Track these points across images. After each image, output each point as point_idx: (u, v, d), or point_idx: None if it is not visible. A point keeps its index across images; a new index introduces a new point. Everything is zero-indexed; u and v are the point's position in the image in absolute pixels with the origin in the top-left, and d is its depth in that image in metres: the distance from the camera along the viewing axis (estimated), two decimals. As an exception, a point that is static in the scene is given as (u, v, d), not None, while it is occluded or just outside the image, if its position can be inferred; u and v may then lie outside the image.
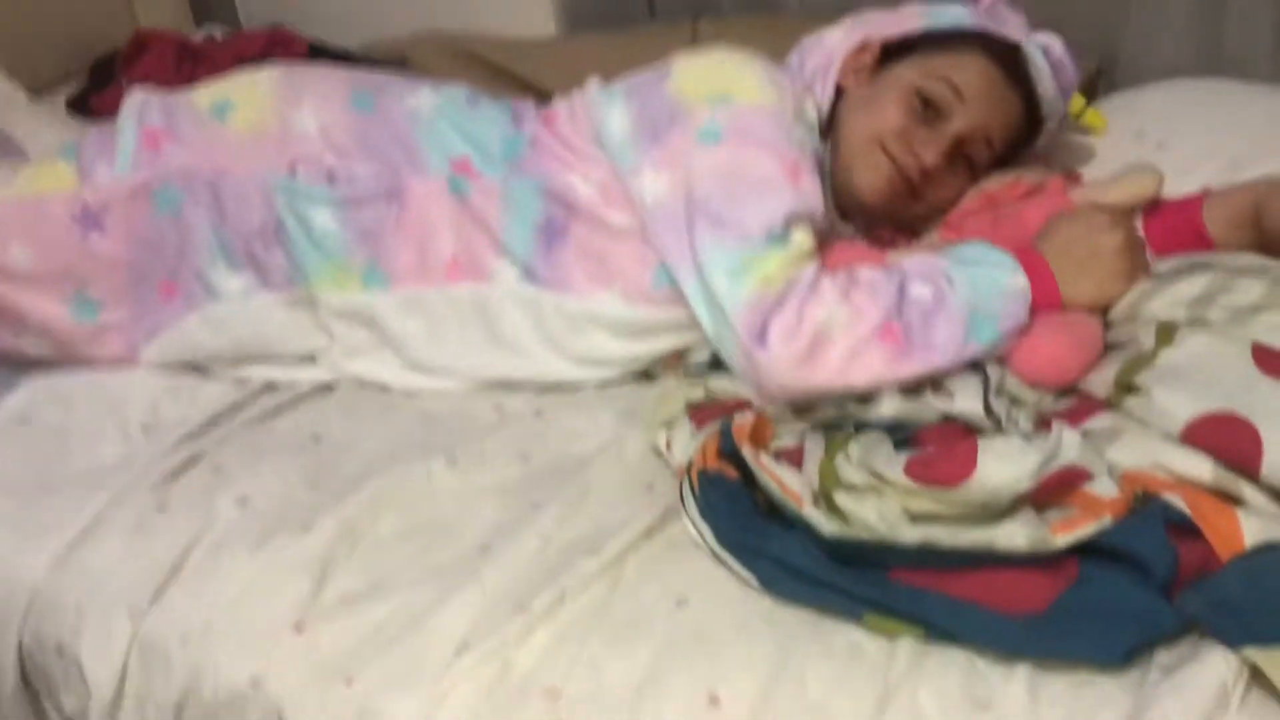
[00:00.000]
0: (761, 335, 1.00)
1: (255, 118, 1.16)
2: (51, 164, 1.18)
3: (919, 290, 1.01)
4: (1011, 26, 1.17)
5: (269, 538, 0.97)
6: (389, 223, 1.12)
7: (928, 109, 1.12)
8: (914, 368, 1.00)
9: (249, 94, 1.18)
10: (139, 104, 1.19)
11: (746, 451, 0.92)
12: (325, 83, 1.19)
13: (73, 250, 1.13)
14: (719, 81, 1.10)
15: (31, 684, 0.99)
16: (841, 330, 0.99)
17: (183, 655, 0.92)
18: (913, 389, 1.01)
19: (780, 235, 1.03)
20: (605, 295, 1.11)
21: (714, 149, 1.06)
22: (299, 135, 1.14)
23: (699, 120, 1.07)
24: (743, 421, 0.95)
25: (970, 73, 1.13)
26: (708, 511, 0.93)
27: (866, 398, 1.00)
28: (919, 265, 1.04)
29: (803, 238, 1.05)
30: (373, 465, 1.05)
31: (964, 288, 1.01)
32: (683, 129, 1.08)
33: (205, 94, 1.20)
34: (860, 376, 0.99)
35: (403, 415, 1.14)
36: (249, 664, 0.90)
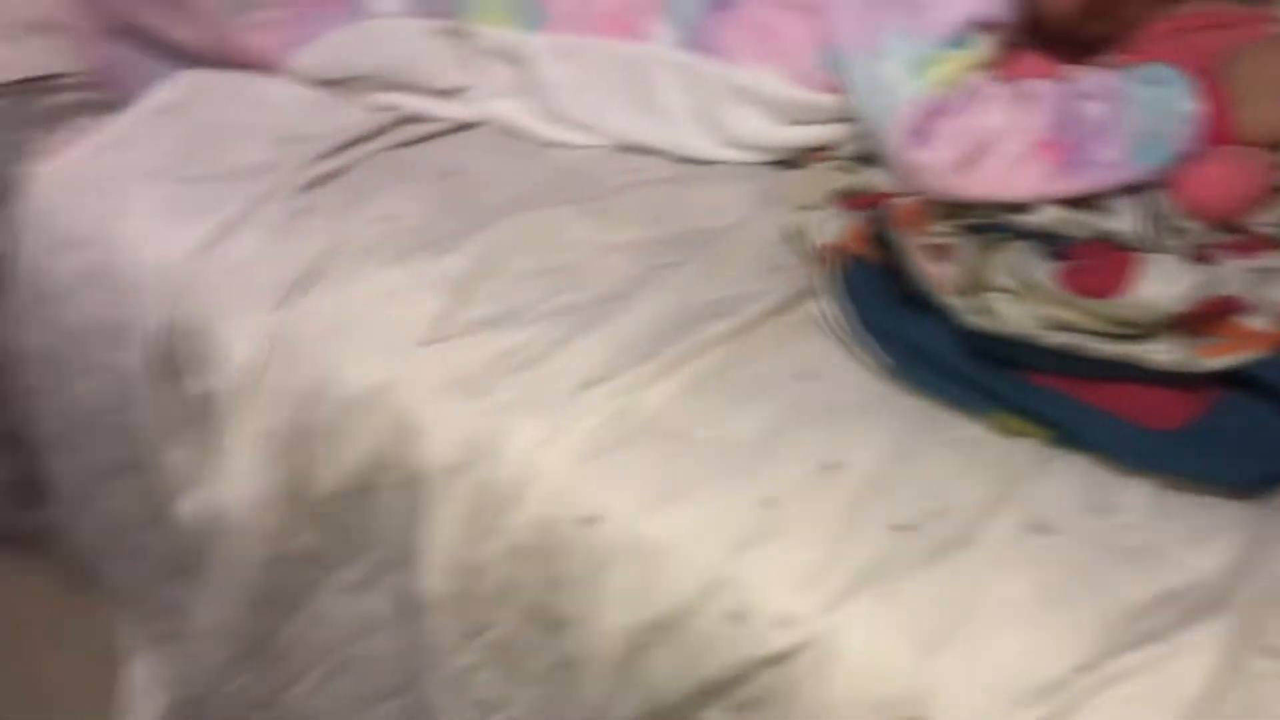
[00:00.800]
0: (924, 135, 0.98)
1: None
2: None
3: (1088, 106, 0.98)
4: None
5: (408, 254, 0.97)
6: None
7: None
8: (1075, 184, 0.97)
9: None
10: None
11: (900, 234, 0.90)
12: None
13: None
14: None
15: (168, 362, 1.02)
16: (1005, 140, 0.96)
17: (313, 352, 0.94)
18: (1070, 203, 0.98)
19: (965, 37, 0.99)
20: (764, 71, 1.08)
21: None
22: None
23: None
24: (902, 203, 0.93)
25: None
26: (846, 292, 0.92)
27: (1023, 206, 0.98)
28: (1092, 81, 1.01)
29: (987, 44, 1.01)
30: (507, 205, 1.05)
31: (1136, 107, 0.97)
32: None
33: None
34: (1018, 188, 0.97)
35: (537, 163, 1.13)
36: (378, 369, 0.92)
